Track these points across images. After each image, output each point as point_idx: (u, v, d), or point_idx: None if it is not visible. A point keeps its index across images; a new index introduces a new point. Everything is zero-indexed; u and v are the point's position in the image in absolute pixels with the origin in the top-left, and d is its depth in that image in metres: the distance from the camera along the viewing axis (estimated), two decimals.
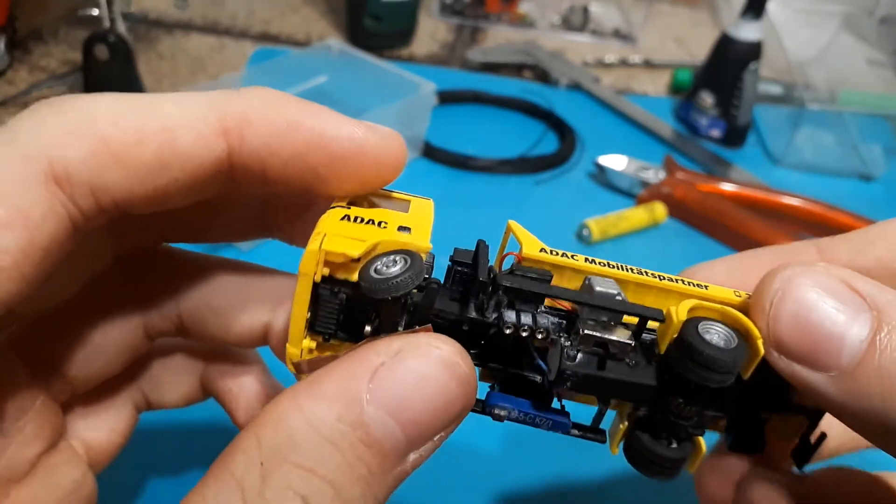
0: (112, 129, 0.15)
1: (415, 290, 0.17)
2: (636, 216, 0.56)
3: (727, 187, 0.59)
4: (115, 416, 0.24)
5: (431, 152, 0.61)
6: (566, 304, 0.19)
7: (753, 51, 0.67)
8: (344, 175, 0.18)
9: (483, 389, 0.19)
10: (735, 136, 0.69)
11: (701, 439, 0.19)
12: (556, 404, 0.19)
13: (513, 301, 0.18)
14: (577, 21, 0.88)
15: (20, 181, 0.14)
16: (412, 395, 0.15)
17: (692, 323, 0.17)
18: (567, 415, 0.19)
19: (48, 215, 0.15)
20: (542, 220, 0.56)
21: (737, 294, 0.19)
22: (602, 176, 0.61)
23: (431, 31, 0.85)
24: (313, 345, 0.18)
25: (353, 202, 0.19)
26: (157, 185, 0.16)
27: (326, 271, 0.17)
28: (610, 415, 0.20)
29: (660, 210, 0.57)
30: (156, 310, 0.23)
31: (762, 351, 0.17)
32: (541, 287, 0.18)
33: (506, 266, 0.19)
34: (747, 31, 0.66)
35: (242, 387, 0.25)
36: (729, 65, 0.67)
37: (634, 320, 0.18)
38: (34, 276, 0.15)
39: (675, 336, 0.18)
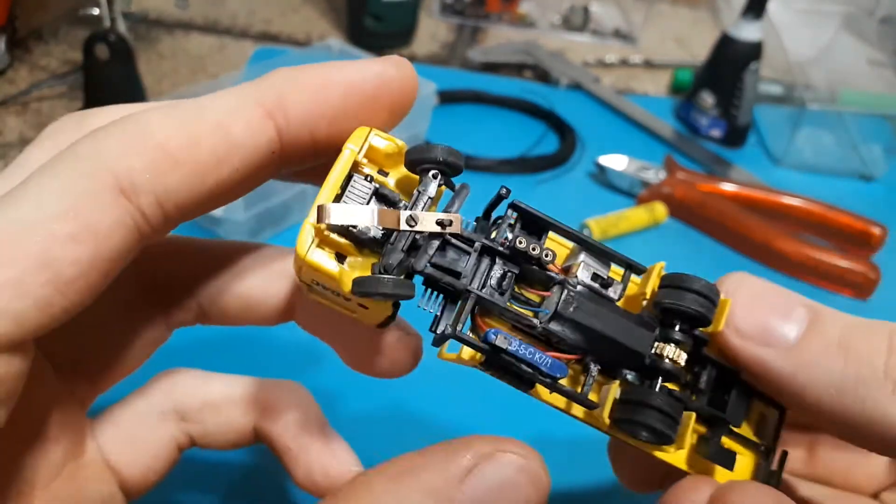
0: (167, 136, 0.16)
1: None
2: (636, 216, 0.56)
3: (727, 187, 0.59)
4: (154, 452, 0.24)
5: None
6: (559, 270, 0.20)
7: (754, 51, 0.67)
8: (379, 108, 0.19)
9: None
10: (735, 136, 0.70)
11: (691, 416, 0.20)
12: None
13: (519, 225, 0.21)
14: (578, 21, 0.88)
15: (87, 196, 0.15)
16: (497, 499, 0.16)
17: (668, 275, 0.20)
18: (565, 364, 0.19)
19: (115, 227, 0.15)
20: None
21: None
22: (602, 176, 0.61)
23: (432, 30, 0.85)
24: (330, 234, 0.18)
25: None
26: (218, 180, 0.17)
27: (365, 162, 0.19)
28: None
29: (660, 210, 0.57)
30: (175, 301, 0.23)
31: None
32: (541, 217, 0.20)
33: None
34: (748, 32, 0.66)
35: (302, 446, 0.24)
36: (729, 65, 0.67)
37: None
38: (98, 286, 0.16)
39: (658, 283, 0.20)
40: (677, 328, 0.20)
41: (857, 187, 0.67)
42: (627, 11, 0.92)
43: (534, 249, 0.19)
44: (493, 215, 0.21)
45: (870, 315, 0.20)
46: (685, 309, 0.20)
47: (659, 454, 0.21)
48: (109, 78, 0.56)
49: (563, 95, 0.74)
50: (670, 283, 0.20)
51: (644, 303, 0.21)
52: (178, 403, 0.24)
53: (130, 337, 0.22)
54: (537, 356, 0.19)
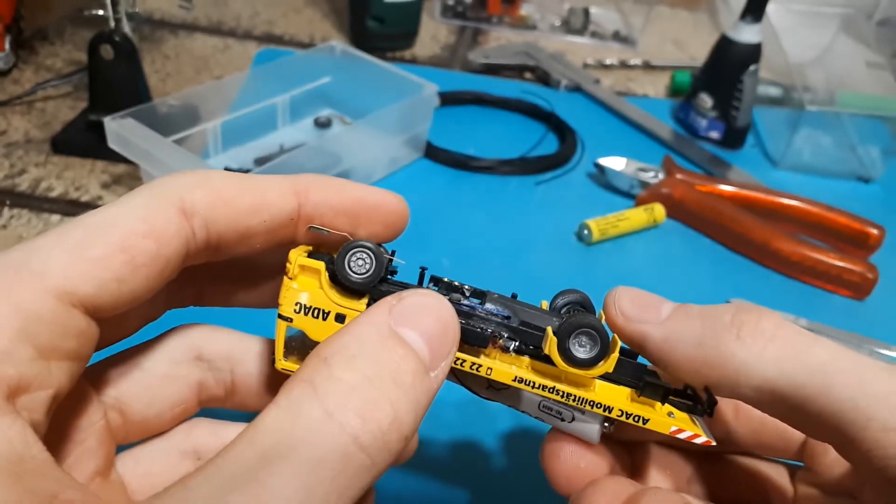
0: (223, 183, 0.22)
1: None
2: (636, 217, 0.57)
3: (726, 188, 0.60)
4: (167, 392, 0.25)
5: (433, 153, 0.62)
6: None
7: (753, 53, 0.67)
8: (375, 219, 0.25)
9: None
10: (734, 137, 0.70)
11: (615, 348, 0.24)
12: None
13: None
14: (578, 23, 0.89)
15: (159, 210, 0.20)
16: (422, 314, 0.20)
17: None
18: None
19: (174, 235, 0.20)
20: (542, 221, 0.57)
21: None
22: (602, 177, 0.62)
23: (433, 33, 0.86)
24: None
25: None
26: (249, 225, 0.22)
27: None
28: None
29: (659, 211, 0.57)
30: (177, 278, 0.25)
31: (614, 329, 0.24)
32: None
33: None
34: (747, 34, 0.67)
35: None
36: (728, 67, 0.68)
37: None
38: (156, 281, 0.20)
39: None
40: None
41: (855, 188, 0.68)
42: (627, 14, 0.93)
43: (455, 289, 0.25)
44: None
45: (868, 315, 0.22)
46: (571, 299, 0.26)
47: (602, 396, 0.24)
48: (114, 78, 0.56)
49: (563, 97, 0.74)
50: (555, 297, 0.26)
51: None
52: (196, 349, 0.26)
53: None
54: (486, 305, 0.24)
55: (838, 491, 0.25)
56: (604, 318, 0.25)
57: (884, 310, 0.52)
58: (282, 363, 0.24)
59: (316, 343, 0.22)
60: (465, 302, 0.24)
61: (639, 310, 0.24)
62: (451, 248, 0.51)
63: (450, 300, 0.22)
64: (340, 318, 0.23)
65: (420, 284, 0.25)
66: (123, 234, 0.19)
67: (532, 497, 0.36)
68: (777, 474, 0.28)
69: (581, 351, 0.23)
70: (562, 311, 0.26)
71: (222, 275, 0.26)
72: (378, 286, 0.23)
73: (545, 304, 0.26)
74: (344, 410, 0.17)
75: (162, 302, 0.26)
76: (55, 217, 0.52)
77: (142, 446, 0.25)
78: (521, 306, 0.25)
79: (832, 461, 0.26)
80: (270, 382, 0.26)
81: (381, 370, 0.18)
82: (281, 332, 0.23)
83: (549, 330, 0.23)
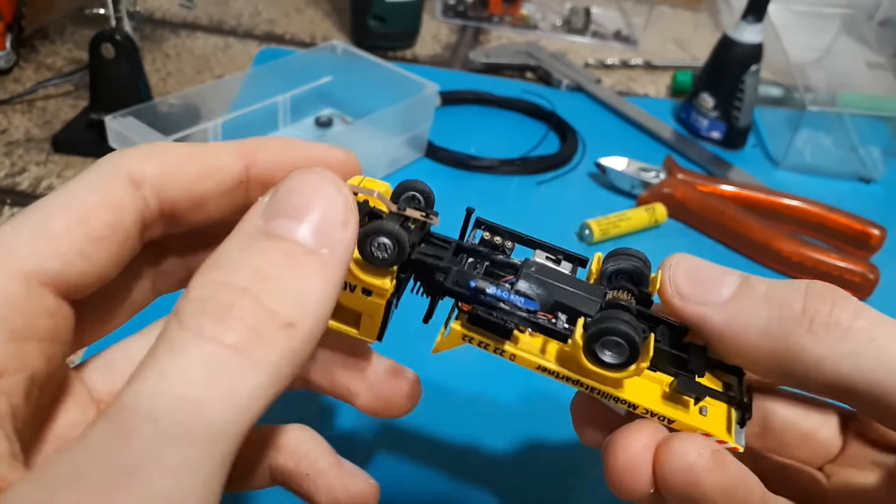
0: (171, 152, 0.22)
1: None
2: (637, 217, 0.56)
3: (727, 188, 0.60)
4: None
5: (434, 152, 0.62)
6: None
7: (754, 53, 0.67)
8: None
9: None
10: (735, 137, 0.70)
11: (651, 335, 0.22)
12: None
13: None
14: (579, 23, 0.89)
15: (111, 183, 0.20)
16: (295, 196, 0.18)
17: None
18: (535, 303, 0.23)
19: (129, 205, 0.20)
20: (543, 220, 0.57)
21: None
22: (603, 177, 0.62)
23: (434, 32, 0.86)
24: None
25: None
26: (200, 191, 0.22)
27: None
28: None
29: (660, 211, 0.57)
30: (166, 263, 0.26)
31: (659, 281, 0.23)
32: (503, 228, 0.24)
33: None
34: (748, 34, 0.67)
35: (320, 471, 0.26)
36: (730, 67, 0.68)
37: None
38: (119, 253, 0.20)
39: (600, 267, 0.24)
40: (622, 281, 0.24)
41: (857, 189, 0.68)
42: (628, 14, 0.93)
43: (497, 240, 0.24)
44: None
45: None
46: (622, 266, 0.24)
47: (630, 393, 0.22)
48: (115, 77, 0.56)
49: (565, 97, 0.74)
50: (609, 256, 0.24)
51: (592, 281, 0.25)
52: None
53: (120, 290, 0.24)
54: (512, 296, 0.22)
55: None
56: (657, 288, 0.23)
57: (885, 310, 0.51)
58: None
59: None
60: (491, 291, 0.22)
61: (697, 287, 0.22)
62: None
63: (475, 289, 0.21)
64: (367, 292, 0.22)
65: (465, 226, 0.24)
66: (80, 210, 0.19)
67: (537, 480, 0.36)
68: (825, 424, 0.25)
69: (609, 356, 0.21)
70: (610, 278, 0.24)
71: (203, 249, 0.26)
72: (410, 253, 0.22)
73: (598, 260, 0.25)
74: (198, 319, 0.16)
75: (149, 288, 0.25)
76: None
77: (120, 346, 0.25)
78: (561, 280, 0.23)
79: None
80: None
81: (239, 272, 0.17)
82: None
83: (578, 332, 0.21)
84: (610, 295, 0.23)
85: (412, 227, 0.23)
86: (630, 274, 0.24)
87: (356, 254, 0.21)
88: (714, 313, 0.22)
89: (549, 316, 0.23)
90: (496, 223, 0.24)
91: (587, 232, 0.54)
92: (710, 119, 0.70)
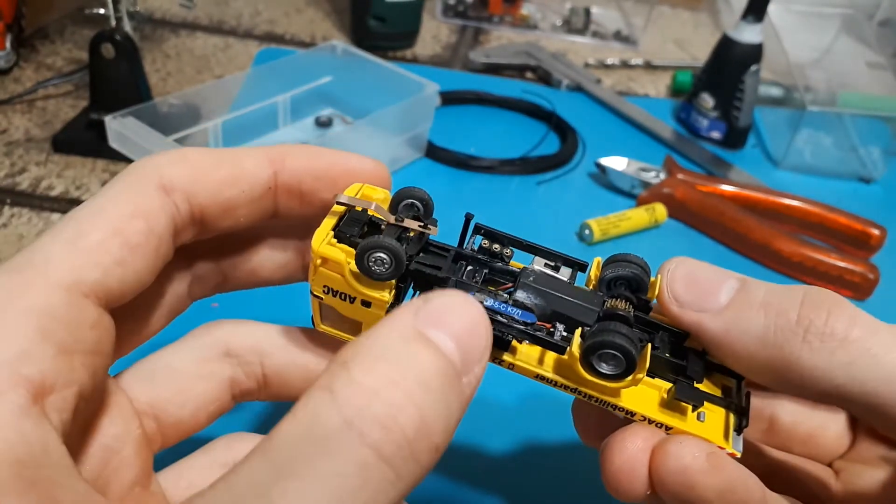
0: (199, 158, 0.22)
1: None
2: (637, 217, 0.56)
3: (727, 188, 0.60)
4: (201, 391, 0.25)
5: (434, 152, 0.62)
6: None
7: (754, 53, 0.67)
8: (350, 181, 0.24)
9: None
10: (735, 137, 0.70)
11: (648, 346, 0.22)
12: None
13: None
14: (579, 23, 0.89)
15: (141, 190, 0.21)
16: (450, 315, 0.18)
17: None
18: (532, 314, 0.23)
19: (160, 212, 0.21)
20: (543, 220, 0.57)
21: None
22: (603, 177, 0.62)
23: (434, 32, 0.86)
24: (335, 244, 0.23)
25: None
26: (229, 196, 0.22)
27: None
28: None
29: (660, 211, 0.57)
30: (200, 267, 0.25)
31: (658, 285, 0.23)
32: (503, 234, 0.24)
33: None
34: (748, 34, 0.67)
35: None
36: (730, 67, 0.68)
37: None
38: (154, 260, 0.20)
39: (599, 272, 0.24)
40: (620, 289, 0.24)
41: (857, 189, 0.68)
42: (628, 14, 0.93)
43: (496, 247, 0.24)
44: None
45: None
46: (621, 273, 0.23)
47: (628, 401, 0.22)
48: (115, 77, 0.56)
49: (565, 97, 0.74)
50: (608, 262, 0.24)
51: (591, 287, 0.24)
52: (226, 343, 0.25)
53: (156, 296, 0.24)
54: (509, 308, 0.22)
55: None
56: (655, 293, 0.23)
57: (885, 310, 0.52)
58: (321, 326, 0.24)
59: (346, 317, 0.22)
60: (488, 304, 0.22)
61: (694, 295, 0.22)
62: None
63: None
64: (366, 304, 0.23)
65: (464, 232, 0.24)
66: (113, 219, 0.20)
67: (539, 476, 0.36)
68: (834, 421, 0.26)
69: (606, 367, 0.21)
70: (609, 285, 0.24)
71: (236, 253, 0.26)
72: (409, 264, 0.22)
73: (597, 265, 0.25)
74: (364, 418, 0.15)
75: (185, 293, 0.25)
76: (55, 216, 0.52)
77: (184, 461, 0.25)
78: (559, 289, 0.23)
79: None
80: (302, 372, 0.26)
81: (406, 373, 0.16)
82: (315, 304, 0.24)
83: (575, 343, 0.21)
84: (608, 304, 0.23)
85: (411, 235, 0.23)
86: (629, 281, 0.24)
87: (354, 265, 0.22)
88: (711, 321, 0.22)
89: (548, 325, 0.23)
90: (495, 229, 0.24)
91: (587, 232, 0.54)
92: (710, 119, 0.70)
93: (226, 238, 0.25)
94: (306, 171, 0.24)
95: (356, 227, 0.23)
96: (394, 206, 0.24)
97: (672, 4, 1.02)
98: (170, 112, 0.53)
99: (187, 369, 0.25)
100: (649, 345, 0.22)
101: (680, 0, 1.03)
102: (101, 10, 0.57)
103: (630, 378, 0.21)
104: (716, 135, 0.70)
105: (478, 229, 0.25)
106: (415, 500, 0.35)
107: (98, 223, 0.19)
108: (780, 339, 0.20)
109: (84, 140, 0.58)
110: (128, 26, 0.57)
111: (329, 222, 0.23)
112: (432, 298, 0.18)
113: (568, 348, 0.22)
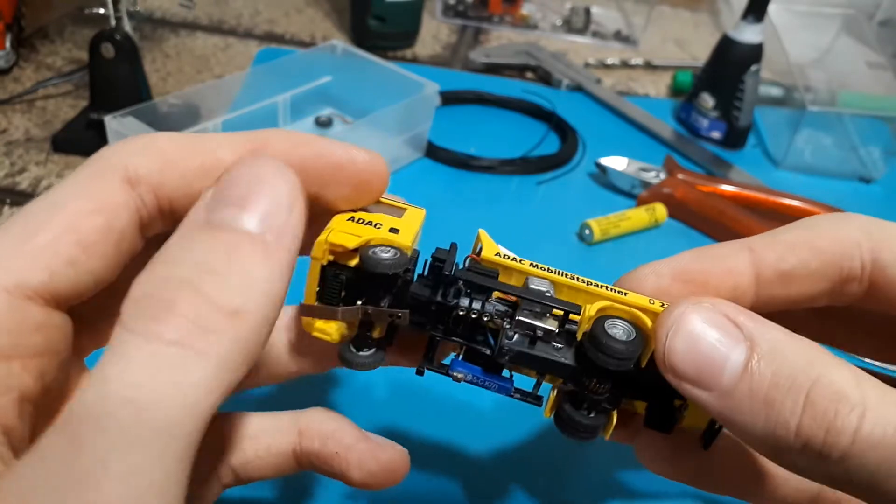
0: (169, 146, 0.21)
1: (400, 273, 0.22)
2: (637, 217, 0.56)
3: (727, 188, 0.60)
4: (202, 489, 0.25)
5: (434, 152, 0.62)
6: (512, 297, 0.23)
7: (754, 53, 0.67)
8: (342, 180, 0.22)
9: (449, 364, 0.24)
10: (735, 137, 0.70)
11: (614, 413, 0.23)
12: (507, 374, 0.24)
13: (468, 291, 0.23)
14: (579, 23, 0.89)
15: (104, 183, 0.19)
16: (235, 186, 0.18)
17: (602, 319, 0.22)
18: (511, 381, 0.23)
19: (123, 206, 0.19)
20: (543, 220, 0.57)
21: (651, 301, 0.23)
22: (603, 177, 0.62)
23: (434, 32, 0.85)
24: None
25: (359, 209, 0.24)
26: (201, 188, 0.20)
27: (331, 257, 0.22)
28: (547, 387, 0.24)
29: (660, 211, 0.57)
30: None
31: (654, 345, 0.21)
32: (486, 281, 0.22)
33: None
34: (748, 34, 0.67)
35: (349, 447, 0.25)
36: (730, 67, 0.68)
37: (562, 314, 0.22)
38: (114, 258, 0.19)
39: (588, 328, 0.22)
40: (596, 380, 0.22)
41: (857, 189, 0.68)
42: (628, 13, 0.93)
43: (474, 315, 0.22)
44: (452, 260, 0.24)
45: None
46: (602, 367, 0.21)
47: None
48: (115, 77, 0.56)
49: (565, 97, 0.74)
50: (595, 335, 0.21)
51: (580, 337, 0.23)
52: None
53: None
54: (487, 382, 0.23)
55: None
56: (650, 349, 0.21)
57: None
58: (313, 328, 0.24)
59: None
60: (469, 380, 0.23)
61: (695, 370, 0.20)
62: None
63: (467, 349, 0.23)
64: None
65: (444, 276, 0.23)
66: (69, 215, 0.18)
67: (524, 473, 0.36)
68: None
69: (582, 415, 0.23)
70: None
71: None
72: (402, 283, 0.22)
73: (586, 325, 0.22)
74: (136, 386, 0.15)
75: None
76: None
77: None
78: (539, 353, 0.22)
79: None
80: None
81: (189, 273, 0.16)
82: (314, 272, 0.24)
83: (548, 405, 0.24)
84: (586, 383, 0.22)
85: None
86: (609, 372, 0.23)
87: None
88: (713, 401, 0.20)
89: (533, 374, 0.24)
90: (476, 280, 0.22)
91: (587, 232, 0.54)
92: (711, 119, 0.70)
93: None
94: (289, 161, 0.21)
95: (336, 291, 0.22)
96: (368, 273, 0.22)
97: (672, 4, 1.02)
98: (170, 112, 0.53)
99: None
100: (614, 419, 0.23)
101: (680, 0, 1.03)
102: (101, 10, 0.57)
103: (608, 426, 0.23)
104: (716, 135, 0.70)
105: (456, 279, 0.23)
106: (407, 501, 0.35)
107: (52, 220, 0.18)
108: (777, 449, 0.19)
109: (84, 140, 0.57)
110: (128, 26, 0.57)
111: (310, 290, 0.22)
112: (221, 177, 0.18)
113: (543, 409, 0.24)
